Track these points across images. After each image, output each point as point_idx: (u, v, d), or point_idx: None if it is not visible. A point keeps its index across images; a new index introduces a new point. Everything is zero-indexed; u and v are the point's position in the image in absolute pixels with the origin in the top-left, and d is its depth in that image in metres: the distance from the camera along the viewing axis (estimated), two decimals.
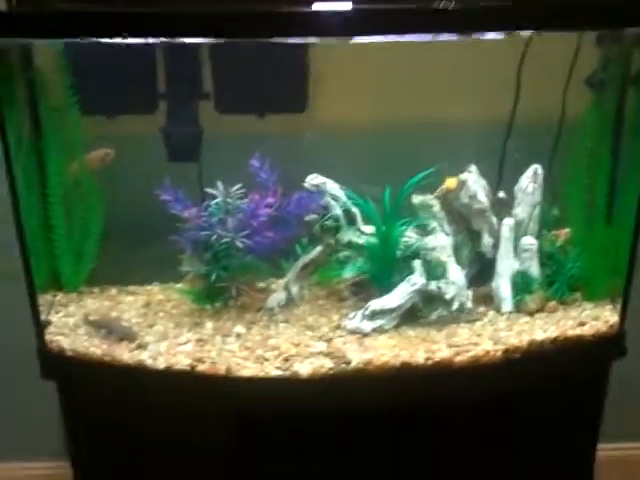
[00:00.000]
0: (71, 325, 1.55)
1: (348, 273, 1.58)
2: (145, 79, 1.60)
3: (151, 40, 1.31)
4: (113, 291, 1.71)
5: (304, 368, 1.40)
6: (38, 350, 1.49)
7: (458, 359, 1.44)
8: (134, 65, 1.55)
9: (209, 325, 1.54)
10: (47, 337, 1.50)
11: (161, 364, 1.42)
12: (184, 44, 1.49)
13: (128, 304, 1.65)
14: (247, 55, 1.55)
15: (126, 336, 1.48)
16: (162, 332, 1.52)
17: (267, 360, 1.42)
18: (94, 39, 1.28)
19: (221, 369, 1.40)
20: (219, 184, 1.51)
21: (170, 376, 1.41)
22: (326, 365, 1.40)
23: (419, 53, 1.58)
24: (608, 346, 1.55)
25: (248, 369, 1.40)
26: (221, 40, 1.31)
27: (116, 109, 1.62)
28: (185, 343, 1.48)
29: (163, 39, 1.31)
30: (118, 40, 1.26)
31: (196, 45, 1.56)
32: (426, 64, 1.60)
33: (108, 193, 1.63)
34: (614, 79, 1.55)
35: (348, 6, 1.24)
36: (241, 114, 1.67)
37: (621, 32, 1.49)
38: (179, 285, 1.64)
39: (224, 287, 1.55)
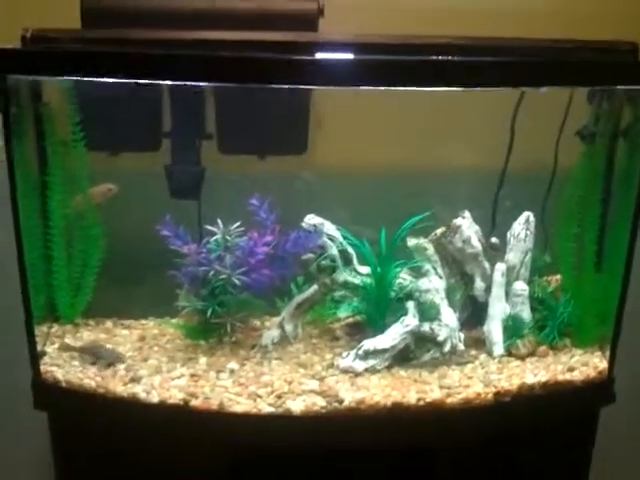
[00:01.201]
0: (65, 356, 1.56)
1: (343, 312, 1.60)
2: (150, 119, 1.65)
3: (155, 81, 1.35)
4: (109, 324, 1.72)
5: (296, 405, 1.41)
6: (32, 380, 1.50)
7: (449, 400, 1.45)
8: (140, 105, 1.59)
9: (203, 360, 1.55)
10: (42, 367, 1.50)
11: (154, 398, 1.43)
12: (190, 86, 1.55)
13: (123, 337, 1.66)
14: (249, 98, 1.60)
15: (114, 360, 1.50)
16: (156, 366, 1.53)
17: (260, 397, 1.43)
18: (100, 78, 1.33)
19: (214, 404, 1.41)
20: (219, 221, 1.55)
21: (163, 410, 1.42)
22: (318, 403, 1.42)
23: (417, 103, 1.65)
24: (597, 392, 1.57)
25: (241, 405, 1.42)
26: (226, 84, 1.36)
27: (120, 146, 1.66)
28: (179, 377, 1.49)
29: (167, 81, 1.36)
30: (123, 80, 1.31)
31: (201, 87, 1.61)
32: (424, 114, 1.66)
33: (109, 228, 1.66)
34: (604, 132, 1.61)
35: (349, 56, 1.29)
36: (243, 154, 1.71)
37: (612, 89, 1.56)
38: (174, 320, 1.65)
39: (219, 323, 1.57)
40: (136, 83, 1.32)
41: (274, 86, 1.31)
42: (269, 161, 1.72)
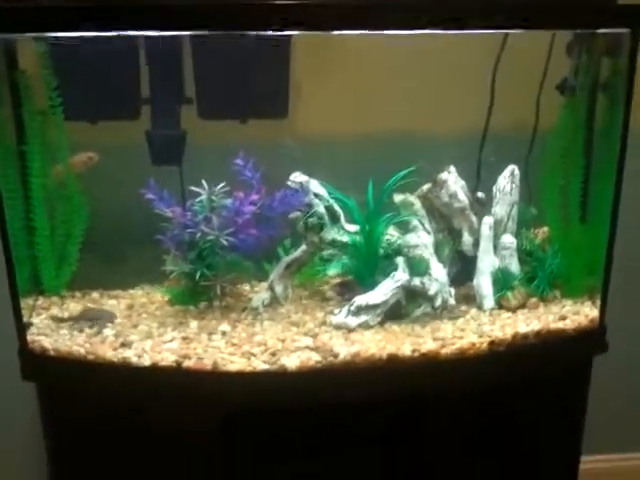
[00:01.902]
0: (53, 325, 1.53)
1: (332, 270, 1.59)
2: (128, 84, 1.62)
3: (132, 32, 1.33)
4: (95, 295, 1.69)
5: (291, 361, 1.40)
6: (19, 351, 1.47)
7: (444, 351, 1.45)
8: (118, 71, 1.57)
9: (194, 324, 1.53)
10: (29, 337, 1.47)
11: (146, 361, 1.41)
12: (169, 47, 1.53)
13: (110, 307, 1.63)
14: (230, 58, 1.59)
15: (110, 318, 1.51)
16: (146, 331, 1.50)
17: (254, 355, 1.42)
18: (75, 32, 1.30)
19: (208, 364, 1.40)
20: (203, 182, 1.53)
21: (156, 373, 1.40)
22: (313, 358, 1.40)
23: (397, 59, 1.66)
24: (589, 340, 1.58)
25: (235, 364, 1.40)
26: (207, 32, 1.34)
27: (99, 115, 1.63)
28: (170, 341, 1.47)
29: (146, 32, 1.34)
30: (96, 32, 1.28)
31: (180, 50, 1.59)
32: (410, 71, 1.68)
33: (91, 197, 1.63)
34: (584, 85, 1.62)
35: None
36: (223, 119, 1.69)
37: (591, 39, 1.57)
38: (164, 285, 1.63)
39: (208, 286, 1.55)
40: (110, 37, 1.30)
41: (255, 32, 1.29)
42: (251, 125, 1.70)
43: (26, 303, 1.57)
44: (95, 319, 1.50)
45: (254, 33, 1.33)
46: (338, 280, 1.67)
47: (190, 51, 1.59)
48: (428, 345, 1.45)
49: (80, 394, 1.44)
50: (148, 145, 1.62)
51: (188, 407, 1.40)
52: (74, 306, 1.62)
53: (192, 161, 1.65)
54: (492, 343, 1.48)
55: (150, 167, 1.64)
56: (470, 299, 1.64)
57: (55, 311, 1.59)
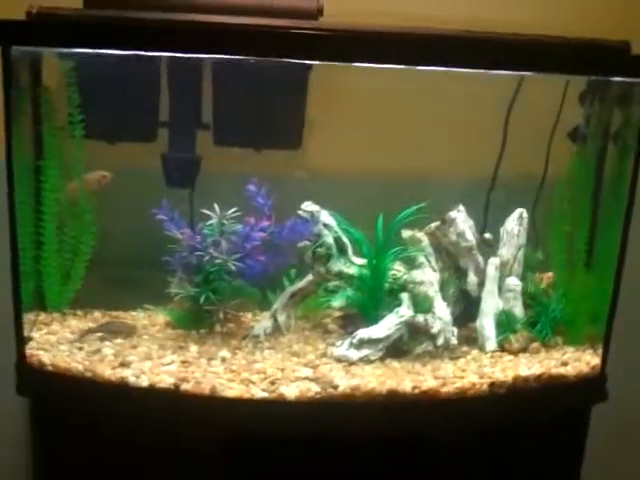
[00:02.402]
0: (53, 341, 1.52)
1: (336, 302, 1.59)
2: (148, 108, 1.64)
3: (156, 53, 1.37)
4: (97, 314, 1.69)
5: (290, 391, 1.39)
6: (16, 364, 1.46)
7: (445, 390, 1.44)
8: (138, 93, 1.60)
9: (194, 349, 1.53)
10: (27, 351, 1.46)
11: (144, 382, 1.40)
12: (190, 72, 1.57)
13: None
14: (248, 90, 1.62)
15: (131, 330, 1.53)
16: (146, 353, 1.50)
17: (252, 382, 1.41)
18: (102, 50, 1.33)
19: (206, 389, 1.38)
20: (215, 206, 1.54)
21: (153, 394, 1.38)
22: (313, 389, 1.39)
23: (418, 99, 1.69)
24: (590, 388, 1.57)
25: (233, 390, 1.39)
26: (227, 57, 1.37)
27: (118, 135, 1.65)
28: (169, 364, 1.46)
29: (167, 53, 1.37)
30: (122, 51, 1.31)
31: (200, 76, 1.62)
32: (425, 112, 1.70)
33: (102, 216, 1.64)
34: (596, 133, 1.64)
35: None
36: (238, 146, 1.71)
37: (604, 89, 1.60)
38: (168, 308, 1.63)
39: (211, 311, 1.55)
40: (137, 59, 1.32)
41: (275, 59, 1.32)
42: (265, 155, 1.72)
43: (27, 318, 1.57)
44: (117, 331, 1.50)
45: (275, 60, 1.35)
46: (341, 312, 1.66)
47: (210, 78, 1.63)
48: (429, 383, 1.44)
49: (74, 411, 1.43)
50: (163, 167, 1.64)
51: (184, 430, 1.39)
52: (75, 324, 1.62)
53: (205, 186, 1.67)
54: (493, 385, 1.47)
55: (163, 191, 1.66)
56: (472, 341, 1.64)
57: (55, 327, 1.58)
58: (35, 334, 1.55)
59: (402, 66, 1.37)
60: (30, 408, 1.49)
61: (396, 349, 1.55)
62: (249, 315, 1.67)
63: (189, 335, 1.58)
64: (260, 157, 1.71)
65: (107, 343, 1.52)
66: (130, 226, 1.64)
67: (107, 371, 1.42)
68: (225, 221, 1.52)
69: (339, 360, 1.49)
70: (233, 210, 1.54)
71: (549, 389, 1.51)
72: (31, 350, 1.47)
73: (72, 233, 1.62)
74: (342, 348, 1.51)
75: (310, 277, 1.61)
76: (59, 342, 1.52)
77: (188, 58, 1.42)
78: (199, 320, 1.57)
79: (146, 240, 1.58)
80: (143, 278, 1.70)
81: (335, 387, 1.40)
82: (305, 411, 1.37)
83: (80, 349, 1.50)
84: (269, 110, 1.67)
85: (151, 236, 1.56)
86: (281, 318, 1.61)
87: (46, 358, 1.46)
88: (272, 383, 1.41)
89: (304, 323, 1.68)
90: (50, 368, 1.44)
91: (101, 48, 1.32)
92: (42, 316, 1.63)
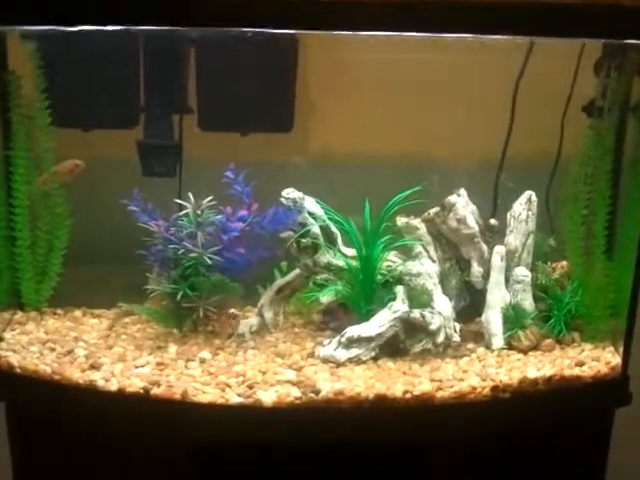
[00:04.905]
0: (24, 342, 1.44)
1: (325, 296, 1.46)
2: (125, 89, 1.54)
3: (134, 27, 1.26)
4: (77, 313, 1.60)
5: (267, 396, 1.27)
6: None
7: (440, 395, 1.30)
8: (115, 73, 1.49)
9: (173, 349, 1.43)
10: None
11: (113, 385, 1.30)
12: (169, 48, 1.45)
13: (90, 326, 1.54)
14: (234, 68, 1.50)
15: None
16: (120, 354, 1.41)
17: (229, 386, 1.30)
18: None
19: (177, 393, 1.28)
20: (190, 195, 1.42)
21: (122, 399, 1.29)
22: (292, 394, 1.28)
23: (418, 73, 1.55)
24: (610, 391, 1.41)
25: (206, 394, 1.28)
26: (212, 28, 1.25)
27: (92, 122, 1.55)
28: (143, 366, 1.36)
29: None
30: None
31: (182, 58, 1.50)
32: (425, 88, 1.58)
33: (78, 209, 1.55)
34: (613, 106, 1.47)
35: None
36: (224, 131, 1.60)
37: (621, 55, 1.43)
38: (145, 305, 1.53)
39: (191, 308, 1.44)
40: (111, 35, 1.22)
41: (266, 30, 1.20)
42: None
43: (2, 317, 1.49)
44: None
45: (259, 30, 1.23)
46: (322, 306, 1.53)
47: (192, 57, 1.51)
48: (423, 386, 1.31)
49: (43, 415, 1.35)
50: (138, 155, 1.54)
51: (154, 436, 1.29)
52: (52, 323, 1.54)
53: (194, 175, 1.56)
54: (496, 388, 1.32)
55: (146, 180, 1.56)
56: (478, 337, 1.50)
57: (30, 327, 1.50)
58: (7, 334, 1.47)
59: (399, 33, 1.23)
60: (5, 411, 1.42)
61: (392, 348, 1.42)
62: (236, 311, 1.56)
63: (170, 334, 1.48)
64: (250, 141, 1.60)
65: (81, 344, 1.43)
66: (109, 217, 1.55)
67: (76, 374, 1.33)
68: (199, 211, 1.40)
69: (326, 361, 1.37)
70: (208, 199, 1.42)
71: (561, 393, 1.36)
72: (0, 351, 1.40)
73: (46, 227, 1.53)
74: (329, 348, 1.38)
75: (298, 270, 1.49)
76: (30, 343, 1.44)
77: (166, 31, 1.30)
78: (179, 317, 1.47)
79: (127, 231, 1.48)
80: (126, 272, 1.60)
81: (317, 392, 1.28)
82: (282, 418, 1.25)
83: (52, 350, 1.42)
84: (255, 90, 1.55)
85: (132, 227, 1.46)
86: (267, 315, 1.50)
87: (14, 360, 1.38)
88: (250, 387, 1.30)
89: (297, 319, 1.57)
90: (18, 370, 1.37)
91: (68, 25, 1.21)
92: (18, 315, 1.55)
